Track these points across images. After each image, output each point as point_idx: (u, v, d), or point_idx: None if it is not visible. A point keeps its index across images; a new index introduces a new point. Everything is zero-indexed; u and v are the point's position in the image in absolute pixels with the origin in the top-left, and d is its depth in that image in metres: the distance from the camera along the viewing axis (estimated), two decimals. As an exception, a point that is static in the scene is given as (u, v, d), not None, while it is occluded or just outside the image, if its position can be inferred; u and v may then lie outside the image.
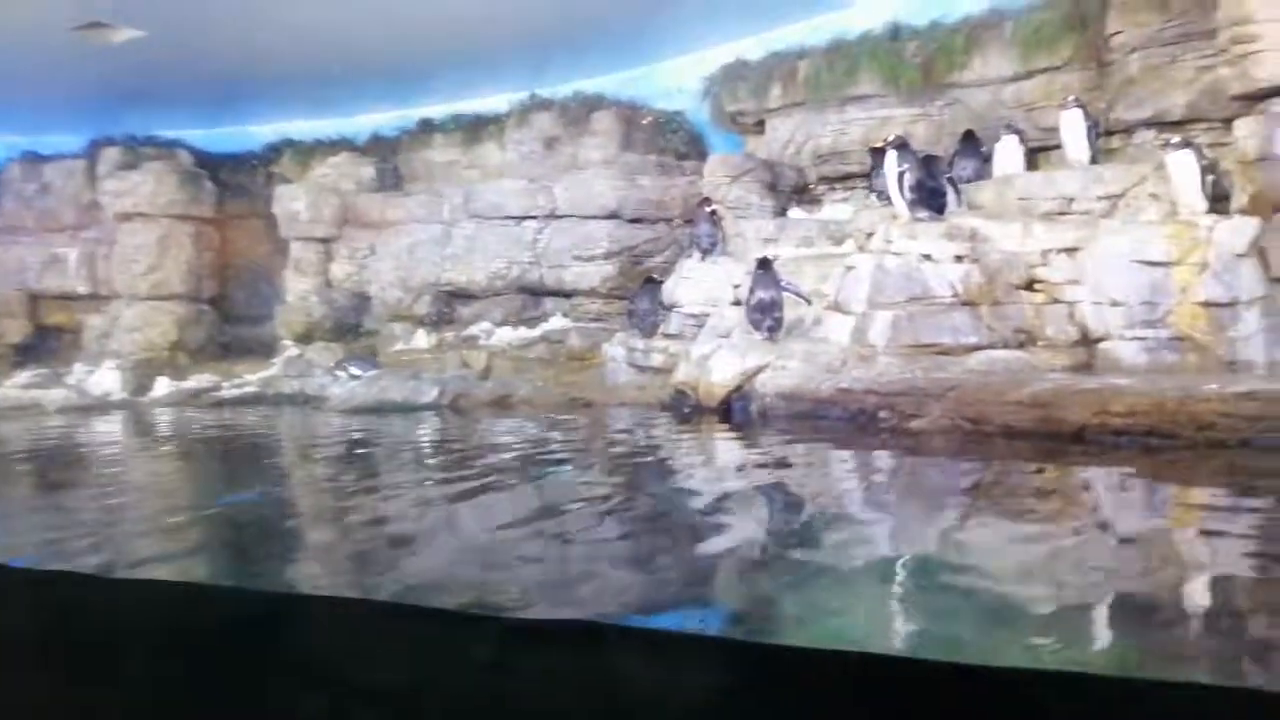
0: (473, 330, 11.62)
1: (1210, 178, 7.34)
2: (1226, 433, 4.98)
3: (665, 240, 11.23)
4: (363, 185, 13.43)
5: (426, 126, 13.85)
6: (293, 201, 12.97)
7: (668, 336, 9.30)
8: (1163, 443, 5.10)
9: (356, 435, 7.63)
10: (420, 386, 9.44)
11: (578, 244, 11.38)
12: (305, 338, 12.46)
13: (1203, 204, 7.25)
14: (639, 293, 9.91)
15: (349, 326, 12.71)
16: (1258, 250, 6.83)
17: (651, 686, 1.96)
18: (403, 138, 13.95)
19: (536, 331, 11.18)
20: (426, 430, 7.86)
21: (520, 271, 11.71)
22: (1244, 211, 7.19)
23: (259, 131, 14.61)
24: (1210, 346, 6.75)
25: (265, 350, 12.76)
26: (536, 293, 11.81)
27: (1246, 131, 7.25)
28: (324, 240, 13.02)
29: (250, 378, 11.48)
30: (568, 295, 11.58)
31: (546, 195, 11.70)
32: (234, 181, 14.36)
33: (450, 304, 12.24)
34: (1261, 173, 7.13)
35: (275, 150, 14.40)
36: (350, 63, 11.95)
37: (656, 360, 9.00)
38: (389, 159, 13.84)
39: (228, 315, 14.23)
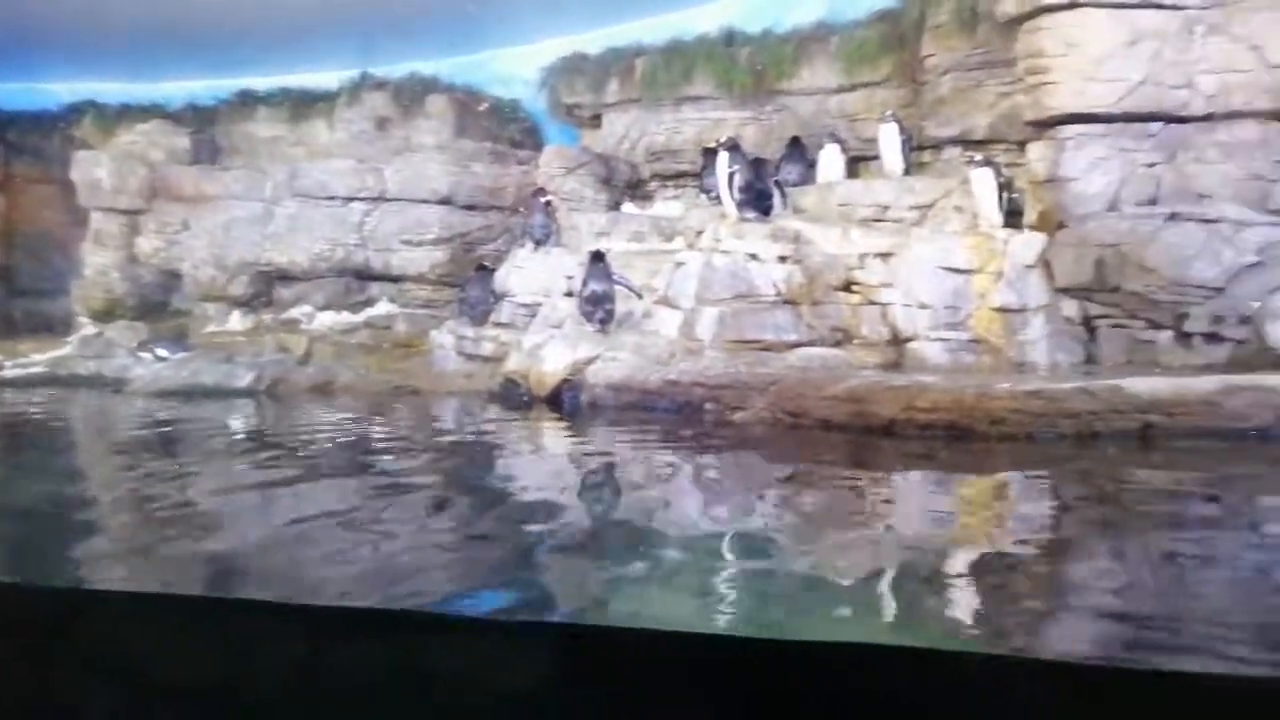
0: (293, 313, 11.13)
1: (1007, 194, 7.97)
2: (1015, 427, 5.46)
3: (498, 228, 11.13)
4: (175, 156, 12.58)
5: (249, 98, 13.15)
6: (94, 168, 12.01)
7: (499, 325, 9.23)
8: (962, 435, 5.52)
9: (157, 422, 7.13)
10: (234, 370, 8.97)
11: (407, 228, 11.11)
12: (105, 315, 11.57)
13: (999, 218, 7.87)
14: (470, 280, 9.77)
15: (155, 305, 11.91)
16: (1044, 263, 7.50)
17: (467, 673, 1.96)
18: (222, 108, 13.18)
19: (360, 316, 10.84)
20: (237, 417, 7.46)
21: (345, 254, 11.29)
22: (1034, 227, 7.86)
23: (55, 90, 13.44)
24: (1002, 349, 7.36)
25: (59, 328, 11.76)
26: (362, 276, 11.43)
27: (1037, 155, 7.93)
28: (129, 212, 12.10)
29: (39, 357, 10.54)
30: (395, 280, 11.27)
31: (376, 177, 11.35)
32: (24, 142, 13.25)
33: (269, 285, 11.67)
34: (1049, 193, 7.82)
35: (76, 112, 13.31)
36: (161, 23, 11.16)
37: (487, 349, 8.92)
38: (206, 130, 13.03)
39: (14, 288, 13.06)
